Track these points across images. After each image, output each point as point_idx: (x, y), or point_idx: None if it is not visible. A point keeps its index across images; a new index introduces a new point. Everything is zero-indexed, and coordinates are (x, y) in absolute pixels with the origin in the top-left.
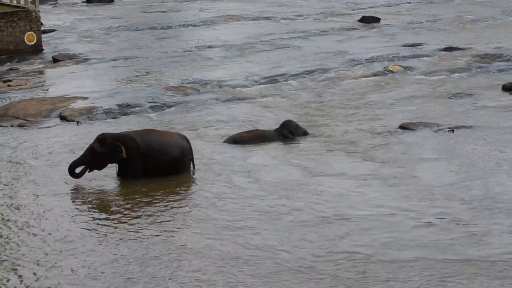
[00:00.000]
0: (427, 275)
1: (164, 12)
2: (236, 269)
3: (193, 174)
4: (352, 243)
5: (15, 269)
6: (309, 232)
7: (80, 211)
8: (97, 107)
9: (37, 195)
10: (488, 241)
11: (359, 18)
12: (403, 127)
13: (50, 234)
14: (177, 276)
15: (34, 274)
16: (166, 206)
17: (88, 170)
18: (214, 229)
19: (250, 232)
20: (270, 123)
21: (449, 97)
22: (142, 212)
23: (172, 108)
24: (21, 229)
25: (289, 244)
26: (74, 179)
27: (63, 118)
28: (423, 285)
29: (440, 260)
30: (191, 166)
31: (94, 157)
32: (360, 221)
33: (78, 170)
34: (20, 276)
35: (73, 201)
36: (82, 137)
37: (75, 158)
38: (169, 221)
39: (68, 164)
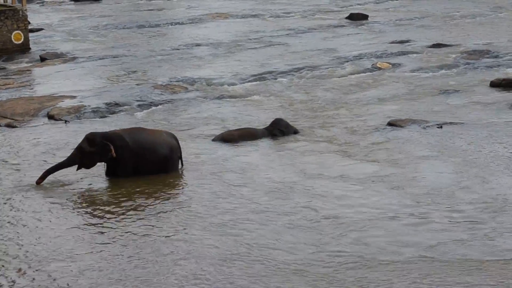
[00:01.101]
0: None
1: (152, 10)
2: (228, 269)
3: (182, 172)
4: (354, 244)
5: (2, 271)
6: (305, 232)
7: (69, 211)
8: (85, 106)
9: (25, 196)
10: (499, 242)
11: (347, 15)
12: (391, 124)
13: (39, 234)
14: (168, 275)
15: (22, 275)
16: (157, 205)
17: (76, 169)
18: (206, 229)
19: (243, 232)
20: (259, 121)
21: (437, 94)
22: (133, 211)
23: (160, 107)
24: (7, 229)
25: (284, 245)
26: (40, 180)
27: (51, 117)
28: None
29: (444, 261)
30: (180, 164)
31: (83, 156)
32: (361, 223)
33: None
34: (6, 278)
35: (62, 201)
36: (70, 136)
37: (61, 159)
38: (160, 220)
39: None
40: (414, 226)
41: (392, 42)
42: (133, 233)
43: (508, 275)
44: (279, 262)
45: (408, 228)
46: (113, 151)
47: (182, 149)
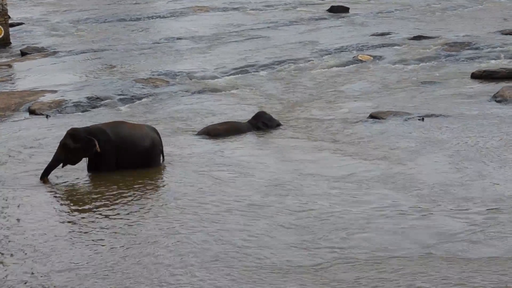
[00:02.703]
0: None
1: (132, 4)
2: (215, 268)
3: (166, 167)
4: (353, 244)
5: None
6: (299, 231)
7: (52, 207)
8: (67, 100)
9: (6, 191)
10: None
11: (328, 8)
12: (373, 116)
13: (23, 228)
14: (151, 273)
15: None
16: (142, 200)
17: (61, 166)
18: (192, 225)
19: (233, 228)
20: (241, 114)
21: (418, 86)
22: (117, 206)
23: (142, 100)
24: None
25: (277, 244)
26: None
27: (32, 111)
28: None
29: (447, 258)
30: (162, 158)
31: (69, 153)
32: (360, 221)
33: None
34: None
35: (44, 196)
36: (51, 130)
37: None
38: (145, 215)
39: (38, 164)
40: (415, 224)
41: (373, 35)
42: (118, 228)
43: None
44: (271, 261)
45: (409, 226)
46: (97, 146)
47: (165, 143)
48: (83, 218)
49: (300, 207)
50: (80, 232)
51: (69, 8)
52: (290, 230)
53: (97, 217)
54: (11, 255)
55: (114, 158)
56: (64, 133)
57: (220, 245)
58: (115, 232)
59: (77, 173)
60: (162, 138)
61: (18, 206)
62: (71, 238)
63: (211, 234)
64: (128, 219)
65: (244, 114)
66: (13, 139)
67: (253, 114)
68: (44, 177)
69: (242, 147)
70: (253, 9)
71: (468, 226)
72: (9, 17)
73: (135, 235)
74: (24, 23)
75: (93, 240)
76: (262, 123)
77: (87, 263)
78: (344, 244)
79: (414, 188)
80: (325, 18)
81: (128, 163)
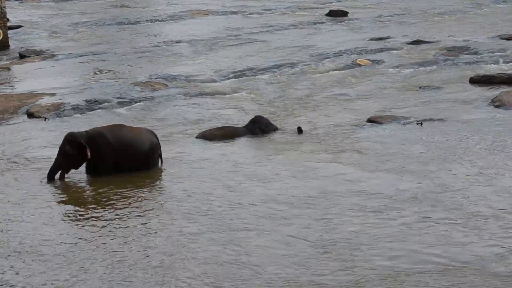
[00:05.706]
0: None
1: (131, 7)
2: (217, 278)
3: (164, 170)
4: (381, 258)
5: None
6: (314, 251)
7: (53, 210)
8: (65, 103)
9: (7, 195)
10: None
11: (327, 12)
12: (371, 120)
13: (21, 227)
14: (151, 278)
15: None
16: (143, 204)
17: (66, 173)
18: (196, 230)
19: (242, 236)
20: (239, 118)
21: (417, 90)
22: (117, 210)
23: (140, 104)
24: None
25: (294, 256)
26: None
27: (30, 114)
28: None
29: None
30: (160, 162)
31: (69, 159)
32: (390, 237)
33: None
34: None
35: (44, 200)
36: (50, 133)
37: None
38: (146, 219)
39: (37, 167)
40: (465, 240)
41: (372, 39)
42: (117, 232)
43: None
44: (286, 275)
45: (458, 242)
46: (88, 154)
47: (163, 147)
48: (79, 222)
49: (326, 221)
50: (78, 233)
51: (68, 11)
52: (318, 243)
53: (94, 220)
54: (32, 260)
55: (112, 162)
56: (63, 135)
57: (228, 254)
58: (115, 234)
59: (75, 176)
60: (160, 142)
61: (21, 209)
62: (71, 238)
63: (226, 245)
64: (129, 226)
65: (242, 118)
66: (11, 142)
67: (250, 119)
68: (49, 181)
69: (242, 152)
70: (252, 13)
71: None
72: (8, 20)
73: (136, 238)
74: (23, 26)
75: (93, 240)
76: (259, 128)
77: (88, 261)
78: (385, 259)
79: (451, 202)
80: (324, 22)
81: (127, 166)
